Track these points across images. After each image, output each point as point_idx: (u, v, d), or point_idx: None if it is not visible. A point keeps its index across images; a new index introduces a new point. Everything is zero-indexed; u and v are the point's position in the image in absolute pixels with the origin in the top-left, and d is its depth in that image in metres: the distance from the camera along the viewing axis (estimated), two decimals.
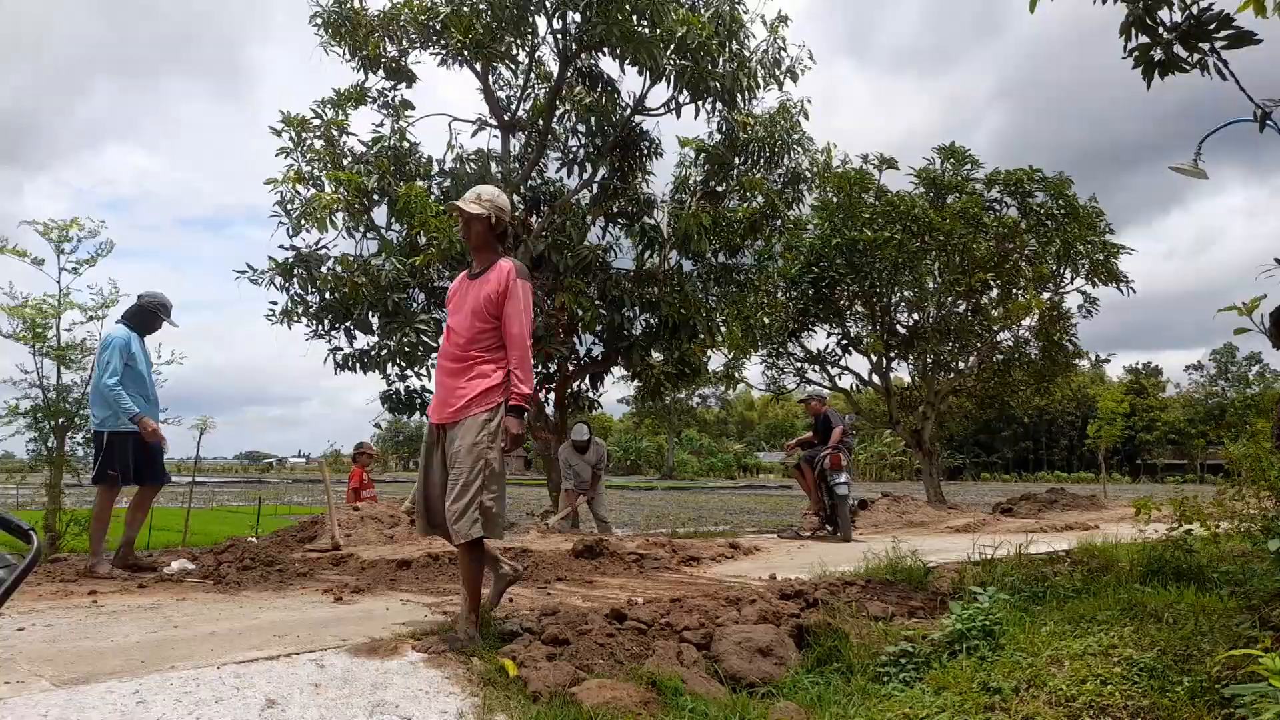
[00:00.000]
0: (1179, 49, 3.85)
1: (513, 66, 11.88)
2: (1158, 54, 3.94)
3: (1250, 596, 3.46)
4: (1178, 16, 3.81)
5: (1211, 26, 3.76)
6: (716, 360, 13.87)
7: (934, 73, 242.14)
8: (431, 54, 11.17)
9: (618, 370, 12.97)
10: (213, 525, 11.16)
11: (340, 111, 10.71)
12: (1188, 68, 3.93)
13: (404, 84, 11.33)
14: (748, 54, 10.89)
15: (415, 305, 10.84)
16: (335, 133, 10.50)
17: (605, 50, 10.55)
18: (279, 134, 10.29)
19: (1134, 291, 17.60)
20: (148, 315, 6.35)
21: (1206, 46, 3.85)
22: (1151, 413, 77.84)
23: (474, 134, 12.52)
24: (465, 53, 10.66)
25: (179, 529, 8.79)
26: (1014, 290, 17.91)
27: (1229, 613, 3.49)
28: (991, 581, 4.65)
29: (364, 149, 10.86)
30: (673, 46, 10.19)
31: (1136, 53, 3.95)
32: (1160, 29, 3.84)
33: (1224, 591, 3.87)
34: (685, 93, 10.88)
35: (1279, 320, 4.14)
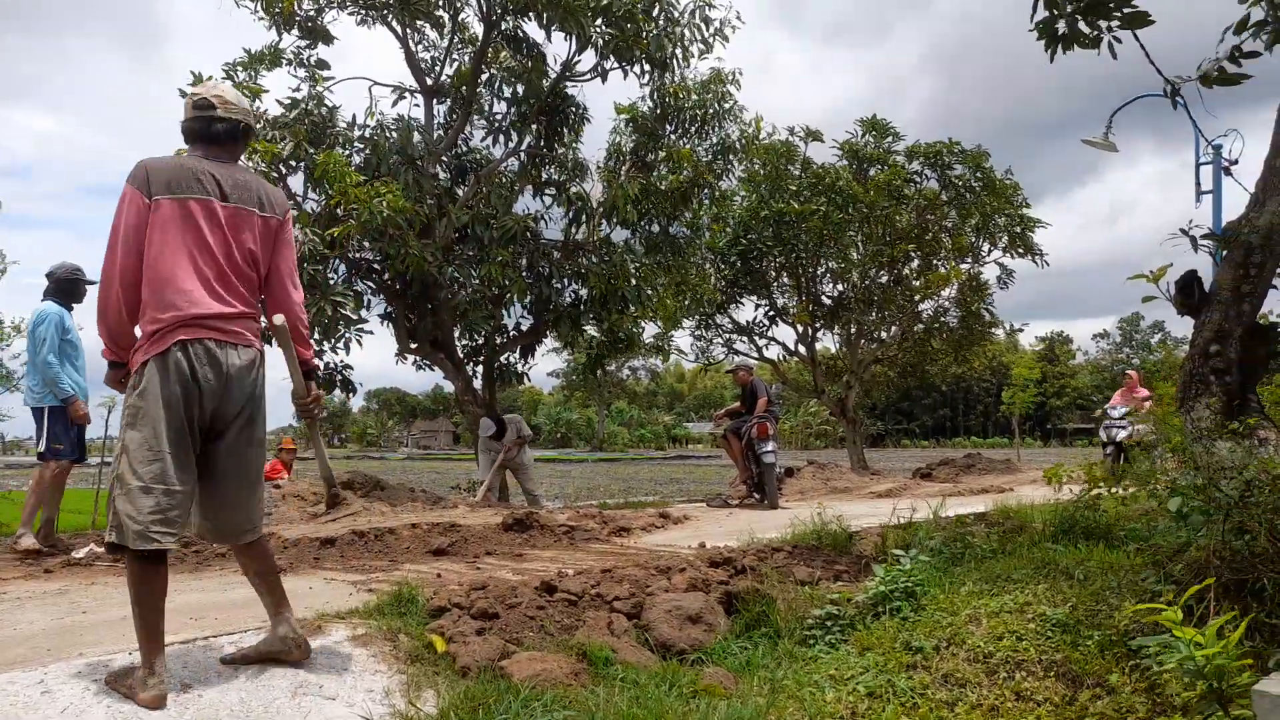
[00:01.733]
0: (1081, 24, 3.96)
1: (436, 29, 11.55)
2: (1061, 27, 4.05)
3: (1155, 553, 3.62)
4: None
5: (1111, 4, 3.89)
6: (649, 331, 13.87)
7: (865, 44, 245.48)
8: (350, 13, 10.77)
9: (549, 342, 12.87)
10: None
11: (253, 74, 10.25)
12: (1086, 43, 4.06)
13: (320, 44, 10.92)
14: (675, 15, 10.77)
15: (334, 278, 10.51)
16: (248, 96, 10.05)
17: (531, 15, 10.34)
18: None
19: (1048, 264, 18.26)
20: (70, 285, 6.27)
21: (1104, 24, 3.98)
22: (1061, 379, 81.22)
23: (394, 103, 12.16)
24: (390, 6, 10.31)
25: (88, 511, 8.43)
26: (934, 261, 18.39)
27: (1135, 569, 3.64)
28: (913, 544, 4.77)
29: (280, 113, 10.43)
30: (597, 14, 10.04)
31: (1041, 25, 4.05)
32: (1065, 2, 3.95)
33: (1130, 548, 4.03)
34: (612, 59, 10.75)
35: (1184, 288, 4.32)
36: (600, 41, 10.45)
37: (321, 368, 10.88)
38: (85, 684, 2.77)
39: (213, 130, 2.98)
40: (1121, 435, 11.25)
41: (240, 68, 10.07)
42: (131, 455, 2.71)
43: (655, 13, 10.52)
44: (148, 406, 2.73)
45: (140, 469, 2.70)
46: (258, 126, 10.14)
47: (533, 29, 11.00)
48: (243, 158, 3.15)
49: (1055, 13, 3.97)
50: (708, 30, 10.96)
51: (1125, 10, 3.87)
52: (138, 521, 2.66)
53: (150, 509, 2.67)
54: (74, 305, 6.32)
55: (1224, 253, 4.49)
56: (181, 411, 2.75)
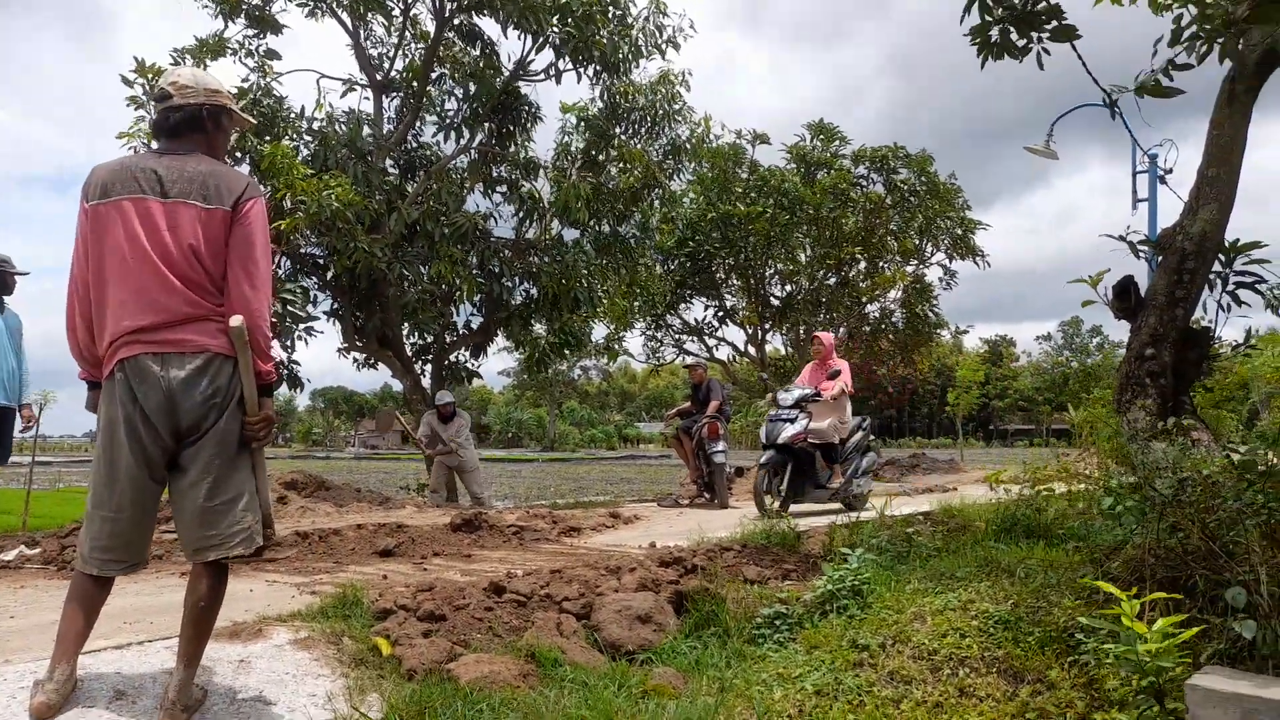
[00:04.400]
0: (1014, 34, 4.10)
1: (386, 23, 11.39)
2: (994, 35, 4.17)
3: (1092, 550, 3.72)
4: (1016, 1, 4.06)
5: (1042, 17, 4.03)
6: (598, 331, 13.89)
7: (825, 46, 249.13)
8: (299, 3, 10.57)
9: (499, 341, 12.79)
10: (58, 508, 10.34)
11: (201, 62, 9.99)
12: (1016, 53, 4.19)
13: (269, 33, 10.70)
14: (630, 20, 10.84)
15: (280, 273, 10.30)
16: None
17: (486, 11, 10.28)
18: (130, 84, 9.51)
19: (989, 265, 18.68)
20: None
21: (1035, 35, 4.12)
22: (1004, 381, 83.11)
23: (343, 95, 11.97)
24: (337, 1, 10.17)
25: (18, 512, 8.11)
26: (880, 263, 18.70)
27: (1074, 566, 3.74)
28: (859, 543, 4.83)
29: None
30: (555, 13, 10.03)
31: (974, 31, 4.17)
32: (999, 10, 4.08)
33: (1069, 546, 4.14)
34: (567, 59, 10.73)
35: (1120, 293, 4.44)
36: (557, 41, 10.42)
37: (277, 379, 10.61)
38: (11, 691, 2.66)
39: (170, 122, 2.76)
40: (787, 434, 7.39)
41: (189, 55, 9.81)
42: (91, 480, 2.69)
43: (611, 14, 10.55)
44: (100, 432, 2.65)
45: (92, 495, 2.66)
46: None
47: (487, 24, 10.94)
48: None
49: (989, 18, 4.09)
50: (660, 37, 11.07)
51: (1054, 23, 4.00)
52: (85, 545, 2.66)
53: (94, 536, 2.64)
54: (3, 297, 6.17)
55: (1159, 259, 4.62)
56: (126, 437, 2.58)
